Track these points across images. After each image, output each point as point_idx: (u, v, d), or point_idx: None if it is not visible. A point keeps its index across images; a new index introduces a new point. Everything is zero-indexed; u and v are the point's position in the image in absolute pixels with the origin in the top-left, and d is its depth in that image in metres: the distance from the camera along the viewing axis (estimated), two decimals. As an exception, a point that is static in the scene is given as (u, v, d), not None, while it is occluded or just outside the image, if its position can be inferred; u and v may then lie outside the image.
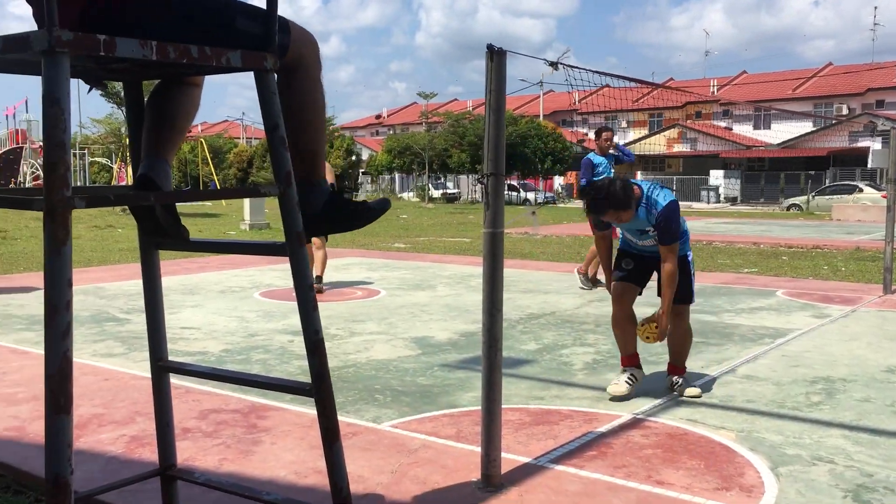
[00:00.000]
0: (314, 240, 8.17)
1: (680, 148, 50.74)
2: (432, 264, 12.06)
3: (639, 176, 41.97)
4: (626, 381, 4.66)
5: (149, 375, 2.68)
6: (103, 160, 44.47)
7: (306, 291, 2.23)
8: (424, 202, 42.47)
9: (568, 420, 4.29)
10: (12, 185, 31.21)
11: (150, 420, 3.59)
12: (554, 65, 3.89)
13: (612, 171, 8.72)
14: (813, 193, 35.88)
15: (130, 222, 20.00)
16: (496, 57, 3.20)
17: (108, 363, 5.51)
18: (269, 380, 2.61)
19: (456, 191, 49.45)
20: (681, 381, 4.83)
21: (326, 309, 7.61)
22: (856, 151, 43.68)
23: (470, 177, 47.79)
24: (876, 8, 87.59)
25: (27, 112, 38.72)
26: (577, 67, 4.30)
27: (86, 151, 40.10)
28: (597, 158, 8.74)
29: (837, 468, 3.59)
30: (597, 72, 4.44)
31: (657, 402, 4.65)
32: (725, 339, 6.47)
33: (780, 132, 45.27)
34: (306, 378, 2.32)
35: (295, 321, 6.99)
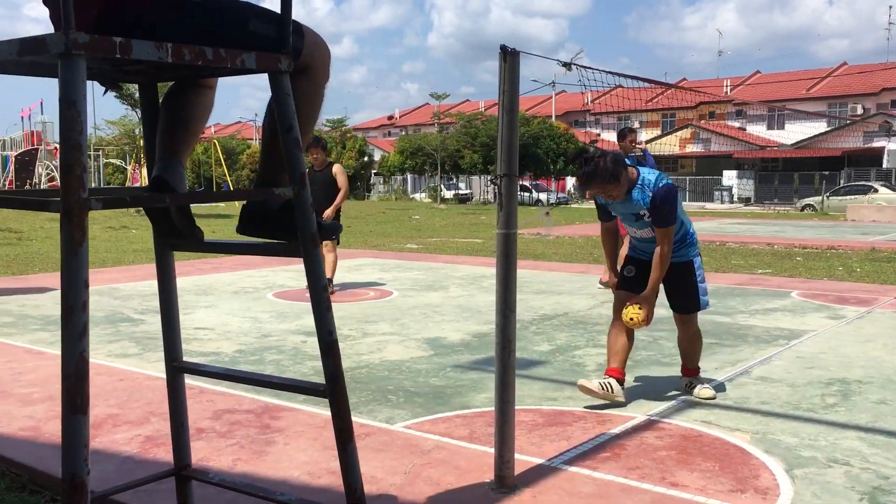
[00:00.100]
0: (325, 243, 8.19)
1: (693, 148, 50.53)
2: (445, 265, 12.07)
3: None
4: (599, 383, 4.47)
5: (163, 376, 2.69)
6: (117, 161, 44.74)
7: (320, 292, 2.23)
8: (436, 203, 42.50)
9: (581, 421, 4.28)
10: (28, 187, 31.45)
11: (165, 420, 3.61)
12: (567, 65, 3.89)
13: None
14: (827, 194, 35.66)
15: (145, 223, 20.12)
16: (509, 57, 3.20)
17: (123, 363, 5.54)
18: (283, 380, 2.62)
19: (468, 191, 49.47)
20: (695, 382, 4.79)
21: (339, 310, 7.62)
22: (871, 151, 43.37)
23: (482, 177, 47.82)
24: (891, 7, 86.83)
25: (42, 114, 38.96)
26: (590, 68, 4.30)
27: (100, 153, 40.34)
28: None
29: (853, 470, 3.56)
30: (610, 72, 4.44)
31: (671, 403, 4.63)
32: (740, 340, 6.44)
33: (794, 132, 45.01)
34: (319, 378, 2.32)
35: (308, 322, 7.00)
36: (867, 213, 26.62)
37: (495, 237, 3.35)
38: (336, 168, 8.67)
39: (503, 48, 3.20)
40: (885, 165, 39.21)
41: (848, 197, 32.95)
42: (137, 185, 29.27)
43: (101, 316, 7.31)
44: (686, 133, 50.68)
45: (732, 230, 21.06)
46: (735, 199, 44.93)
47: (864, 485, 3.39)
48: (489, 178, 44.54)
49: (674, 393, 4.82)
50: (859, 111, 48.37)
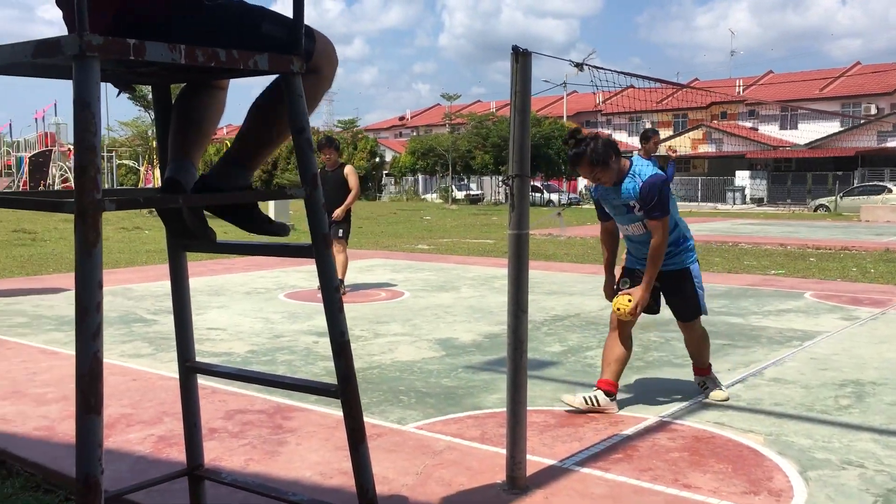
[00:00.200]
0: (335, 244, 8.20)
1: (705, 149, 50.32)
2: (456, 266, 12.07)
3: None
4: (584, 398, 4.41)
5: (175, 376, 2.70)
6: (130, 163, 44.99)
7: (332, 293, 2.23)
8: (448, 203, 42.51)
9: (593, 422, 4.26)
10: (42, 188, 31.65)
11: (178, 420, 3.62)
12: (579, 66, 3.88)
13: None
14: (841, 194, 35.45)
15: (158, 224, 20.21)
16: (521, 58, 3.20)
17: (136, 363, 5.57)
18: (295, 381, 2.62)
19: (479, 192, 49.44)
20: (707, 383, 4.77)
21: (351, 310, 7.63)
22: (884, 151, 43.07)
23: (493, 178, 47.80)
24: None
25: (56, 115, 39.30)
26: (601, 68, 4.28)
27: (113, 154, 40.58)
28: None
29: (867, 473, 3.54)
30: (622, 72, 4.42)
31: (683, 404, 4.61)
32: (752, 341, 6.41)
33: (807, 132, 44.75)
34: (331, 379, 2.33)
35: (319, 322, 7.02)
36: (881, 214, 26.44)
37: (507, 238, 3.35)
38: (347, 169, 8.69)
39: (515, 48, 3.19)
40: (899, 165, 38.95)
41: (862, 197, 32.74)
42: (150, 186, 29.43)
43: (114, 316, 7.35)
44: (698, 133, 50.47)
45: (745, 231, 20.96)
46: (748, 199, 44.72)
47: (879, 487, 3.37)
48: (500, 178, 44.54)
49: (686, 394, 4.81)
50: (873, 111, 48.04)
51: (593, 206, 4.81)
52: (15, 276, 10.51)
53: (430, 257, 13.57)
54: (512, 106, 3.26)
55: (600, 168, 4.26)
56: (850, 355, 5.88)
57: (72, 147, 34.92)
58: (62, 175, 33.66)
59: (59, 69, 2.04)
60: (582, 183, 49.29)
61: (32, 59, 1.80)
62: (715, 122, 52.38)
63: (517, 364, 3.34)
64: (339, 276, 8.70)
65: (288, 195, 2.31)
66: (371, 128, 69.60)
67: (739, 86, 55.31)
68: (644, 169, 4.35)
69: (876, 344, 6.29)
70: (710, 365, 4.83)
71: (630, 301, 4.34)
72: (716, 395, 4.70)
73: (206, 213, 2.36)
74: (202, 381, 4.04)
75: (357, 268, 11.26)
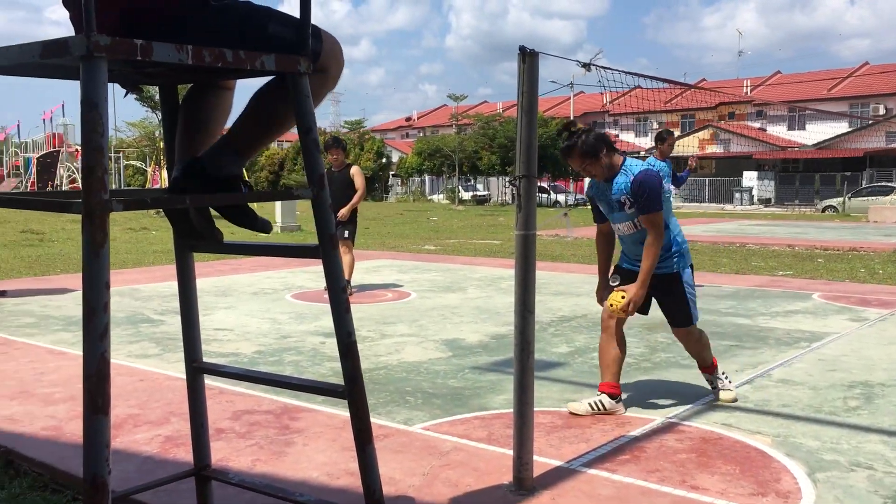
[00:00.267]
0: (341, 245, 8.21)
1: (713, 149, 50.22)
2: (462, 266, 12.06)
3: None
4: (589, 404, 4.41)
5: (182, 376, 2.70)
6: (137, 163, 45.11)
7: (339, 294, 2.23)
8: (454, 204, 42.49)
9: (600, 423, 4.25)
10: (49, 188, 31.76)
11: (185, 420, 3.62)
12: (586, 66, 3.87)
13: (670, 177, 8.63)
14: (849, 195, 35.32)
15: (164, 225, 20.26)
16: (528, 58, 3.19)
17: (143, 364, 5.58)
18: (302, 381, 2.62)
19: (486, 193, 49.43)
20: (715, 381, 4.73)
21: (357, 311, 7.63)
22: (893, 152, 42.87)
23: (500, 179, 47.77)
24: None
25: (63, 116, 39.39)
26: (608, 69, 4.27)
27: (121, 155, 40.69)
28: (658, 164, 8.50)
29: (876, 474, 3.52)
30: (629, 73, 4.41)
31: (690, 406, 4.60)
32: (760, 342, 6.39)
33: (815, 133, 44.59)
34: (338, 379, 2.32)
35: (326, 323, 7.02)
36: (889, 215, 26.33)
37: (514, 238, 3.35)
38: (354, 169, 8.70)
39: (522, 49, 3.19)
40: (907, 166, 38.79)
41: (870, 198, 32.61)
42: (157, 186, 29.51)
43: (121, 317, 7.37)
44: (706, 134, 50.37)
45: (753, 231, 20.90)
46: (755, 200, 44.59)
47: (888, 489, 3.35)
48: (507, 179, 44.46)
49: (693, 395, 4.79)
50: (881, 111, 47.86)
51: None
52: (23, 277, 10.54)
53: (437, 258, 13.56)
54: (519, 106, 3.25)
55: (590, 160, 4.26)
56: (859, 356, 5.86)
57: (79, 148, 34.98)
58: (70, 176, 33.75)
59: (67, 70, 2.04)
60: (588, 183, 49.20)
61: (40, 60, 1.80)
62: (723, 122, 52.26)
63: (524, 365, 3.33)
64: (346, 277, 8.70)
65: (295, 196, 2.31)
66: (378, 129, 69.65)
67: (747, 86, 55.17)
68: (635, 164, 4.33)
69: (885, 345, 6.26)
70: (713, 362, 4.76)
71: (623, 298, 4.28)
72: (724, 396, 4.68)
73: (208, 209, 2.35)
74: (209, 381, 4.04)
75: (364, 268, 11.27)
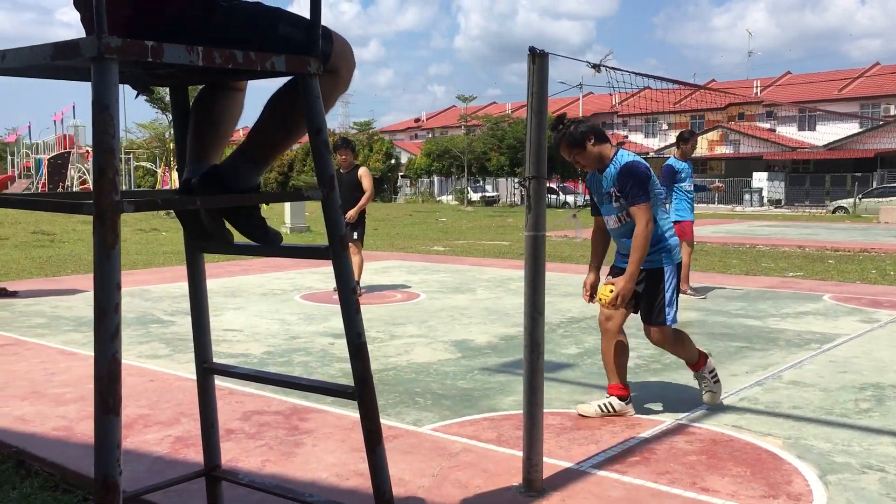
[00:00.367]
0: (351, 246, 8.22)
1: (722, 150, 50.06)
2: (471, 267, 12.06)
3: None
4: (598, 406, 4.40)
5: (192, 376, 2.71)
6: (147, 164, 45.28)
7: (349, 295, 2.23)
8: (463, 205, 42.49)
9: (610, 425, 4.24)
10: (60, 190, 31.92)
11: (195, 421, 3.63)
12: (597, 67, 3.86)
13: (692, 177, 8.60)
14: (860, 196, 35.14)
15: (174, 226, 20.33)
16: (538, 59, 3.19)
17: (154, 364, 5.60)
18: (313, 382, 2.62)
19: (495, 194, 49.42)
20: (700, 381, 4.56)
21: (366, 312, 7.64)
22: (904, 152, 42.67)
23: (509, 180, 47.75)
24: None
25: (74, 117, 39.58)
26: (618, 69, 4.26)
27: (131, 156, 40.86)
28: (678, 164, 8.50)
29: (888, 477, 3.50)
30: (639, 73, 4.40)
31: (701, 407, 4.58)
32: (771, 343, 6.36)
33: (826, 133, 44.40)
34: (347, 380, 2.33)
35: (335, 324, 7.03)
36: (901, 216, 26.17)
37: (523, 239, 3.34)
38: (362, 171, 8.70)
39: (532, 50, 3.18)
40: (919, 167, 38.56)
41: (881, 199, 32.43)
42: (167, 187, 29.62)
43: (131, 317, 7.39)
44: (715, 135, 50.21)
45: (763, 233, 20.82)
46: (765, 201, 44.42)
47: (900, 492, 3.33)
48: (517, 180, 44.44)
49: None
50: (893, 112, 47.61)
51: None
52: (34, 277, 10.59)
53: (446, 259, 13.56)
54: (529, 107, 3.25)
55: (577, 150, 4.28)
56: (870, 358, 5.83)
57: (90, 149, 35.21)
58: (80, 177, 33.93)
59: (78, 71, 2.05)
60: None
61: (52, 62, 1.81)
62: (732, 123, 52.09)
63: (534, 366, 3.33)
64: (355, 278, 8.70)
65: (305, 196, 2.31)
66: (386, 130, 69.72)
67: (757, 87, 54.98)
68: (625, 156, 4.31)
69: (896, 347, 6.22)
70: (699, 358, 4.54)
71: (612, 291, 4.22)
72: (705, 398, 4.54)
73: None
74: (219, 381, 4.05)
75: (372, 269, 11.28)
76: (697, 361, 4.55)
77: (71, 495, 3.36)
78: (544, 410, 3.42)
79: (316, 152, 2.18)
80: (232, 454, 3.70)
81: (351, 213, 8.39)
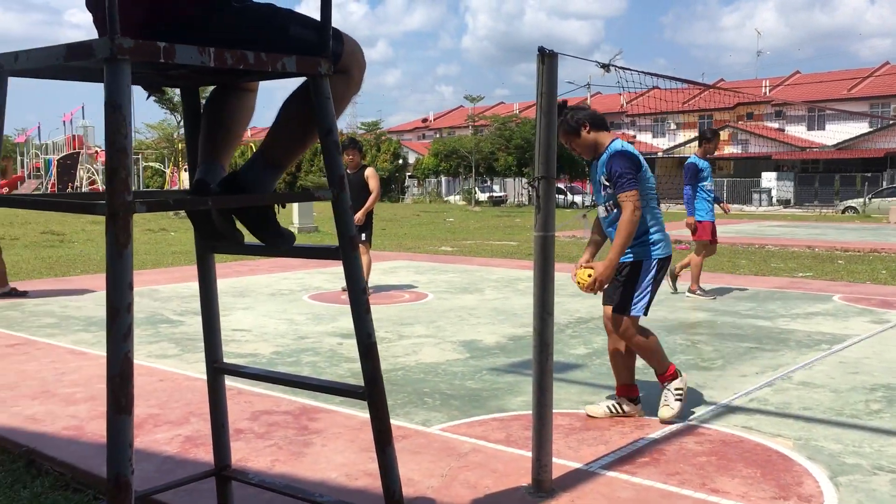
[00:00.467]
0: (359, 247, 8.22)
1: (731, 150, 49.92)
2: (479, 268, 12.05)
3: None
4: (607, 407, 4.37)
5: (202, 376, 2.72)
6: (156, 165, 45.42)
7: (359, 295, 2.23)
8: (471, 205, 42.48)
9: (619, 426, 4.24)
10: (69, 190, 32.05)
11: (204, 420, 3.64)
12: (606, 66, 3.86)
13: (712, 177, 8.65)
14: (869, 196, 34.99)
15: (183, 226, 20.40)
16: (548, 59, 3.19)
17: (163, 364, 5.61)
18: (323, 382, 2.62)
19: (502, 194, 49.37)
20: (664, 390, 4.37)
21: (375, 312, 7.62)
22: (914, 153, 42.48)
23: (516, 180, 47.71)
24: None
25: (84, 118, 39.75)
26: (627, 69, 4.26)
27: (140, 156, 41.00)
28: (701, 163, 8.54)
29: (900, 478, 3.48)
30: (647, 73, 4.39)
31: (711, 408, 4.57)
32: (781, 344, 6.34)
33: (835, 133, 44.21)
34: (356, 380, 2.33)
35: (344, 324, 7.04)
36: (911, 216, 26.05)
37: (532, 240, 3.34)
38: (369, 171, 8.71)
39: (541, 50, 3.18)
40: (929, 167, 38.39)
41: (891, 199, 32.29)
42: (176, 188, 29.70)
43: (141, 317, 7.42)
44: (724, 135, 50.06)
45: (772, 233, 20.75)
46: (774, 201, 44.27)
47: (912, 493, 3.31)
48: (525, 180, 44.45)
49: (713, 398, 4.76)
50: (902, 111, 47.40)
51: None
52: (44, 278, 10.64)
53: (454, 259, 13.56)
54: (538, 107, 3.24)
55: (573, 137, 4.31)
56: (881, 359, 5.80)
57: (99, 149, 35.37)
58: (90, 177, 34.07)
59: (90, 72, 2.06)
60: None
61: (65, 63, 1.82)
62: (741, 122, 51.93)
63: (543, 367, 3.33)
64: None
65: (315, 197, 2.32)
66: (394, 130, 69.77)
67: (766, 86, 54.79)
68: (616, 144, 4.29)
69: (907, 348, 6.19)
70: (666, 370, 4.36)
71: (590, 276, 4.13)
72: (660, 413, 4.30)
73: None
74: (228, 381, 4.07)
75: (381, 269, 11.29)
76: (665, 372, 4.37)
77: (81, 494, 3.37)
78: (553, 411, 3.42)
79: (326, 153, 2.19)
80: (241, 454, 3.71)
81: (358, 215, 8.39)
